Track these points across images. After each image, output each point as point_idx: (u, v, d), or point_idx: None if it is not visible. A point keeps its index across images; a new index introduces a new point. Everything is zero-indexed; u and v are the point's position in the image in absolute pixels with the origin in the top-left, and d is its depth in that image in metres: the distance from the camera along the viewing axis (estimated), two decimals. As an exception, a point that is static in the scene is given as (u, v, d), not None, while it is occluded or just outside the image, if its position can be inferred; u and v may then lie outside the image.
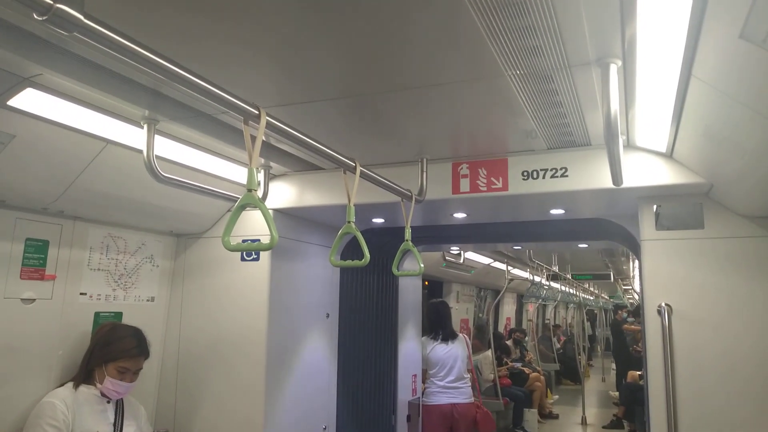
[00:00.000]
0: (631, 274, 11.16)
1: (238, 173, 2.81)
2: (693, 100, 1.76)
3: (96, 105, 2.02)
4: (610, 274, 10.30)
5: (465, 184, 2.73)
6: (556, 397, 9.94)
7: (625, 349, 8.88)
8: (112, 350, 2.44)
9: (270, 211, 3.00)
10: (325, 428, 3.44)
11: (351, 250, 3.64)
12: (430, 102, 2.05)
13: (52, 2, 0.90)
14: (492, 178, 2.68)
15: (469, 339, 5.83)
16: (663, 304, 2.46)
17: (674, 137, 2.18)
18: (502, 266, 7.84)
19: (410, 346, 4.51)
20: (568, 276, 10.73)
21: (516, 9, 1.41)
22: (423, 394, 4.65)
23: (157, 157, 2.21)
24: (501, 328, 10.47)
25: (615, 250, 7.61)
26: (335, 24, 1.52)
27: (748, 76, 1.41)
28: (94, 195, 2.43)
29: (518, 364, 8.63)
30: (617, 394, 8.47)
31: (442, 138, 2.52)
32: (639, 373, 7.24)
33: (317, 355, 3.40)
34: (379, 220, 3.54)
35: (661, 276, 2.53)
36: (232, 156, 2.70)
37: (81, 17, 0.96)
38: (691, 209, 2.53)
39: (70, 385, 2.41)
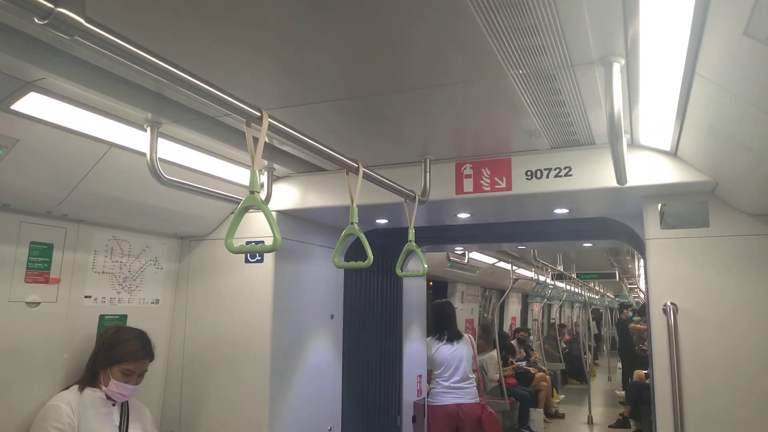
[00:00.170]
0: (637, 273, 11.12)
1: (241, 175, 2.81)
2: (697, 98, 1.75)
3: (99, 108, 2.02)
4: (615, 273, 10.27)
5: (468, 185, 2.72)
6: (562, 396, 9.91)
7: (631, 348, 8.84)
8: (116, 353, 2.44)
9: (273, 213, 3.03)
10: (330, 429, 3.44)
11: (355, 251, 3.64)
12: (433, 102, 2.05)
13: (53, 6, 0.90)
14: (495, 178, 2.67)
15: (474, 339, 5.82)
16: (668, 303, 2.45)
17: (678, 135, 2.16)
18: (507, 266, 7.82)
19: (415, 346, 4.51)
20: (573, 275, 10.70)
21: (518, 8, 1.41)
22: (428, 394, 4.64)
23: (160, 159, 2.21)
24: (506, 328, 10.45)
25: (620, 249, 7.59)
26: (337, 25, 1.52)
27: (753, 73, 1.40)
28: (98, 198, 2.44)
29: (522, 363, 8.62)
30: (623, 393, 8.44)
31: (445, 138, 2.52)
32: (645, 372, 7.20)
33: (322, 356, 3.40)
34: (382, 221, 3.53)
35: (667, 275, 2.52)
36: (235, 158, 2.70)
37: (82, 21, 0.95)
38: (696, 208, 2.52)
39: (75, 388, 2.41)
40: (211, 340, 3.04)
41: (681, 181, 2.38)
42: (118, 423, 2.46)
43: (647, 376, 6.65)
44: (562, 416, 8.68)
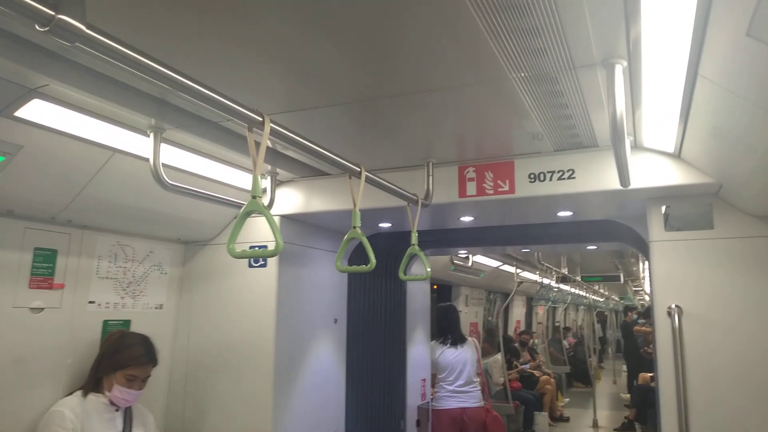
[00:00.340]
0: (641, 276, 11.08)
1: (244, 180, 2.82)
2: (700, 100, 1.74)
3: (102, 114, 2.03)
4: (620, 276, 10.22)
5: (471, 188, 2.72)
6: (567, 399, 9.86)
7: (636, 350, 8.81)
8: (120, 358, 2.44)
9: (276, 218, 3.03)
10: (334, 434, 3.43)
11: (358, 255, 3.63)
12: (435, 106, 2.05)
13: (53, 13, 0.90)
14: (498, 181, 2.66)
15: (479, 342, 5.80)
16: (673, 306, 2.44)
17: (682, 137, 2.16)
18: (511, 269, 7.80)
19: (419, 350, 4.49)
20: (578, 278, 10.66)
21: (519, 10, 1.40)
22: (432, 398, 4.63)
23: (163, 165, 2.21)
24: (511, 332, 10.42)
25: (625, 251, 7.56)
26: (340, 29, 1.52)
27: (757, 74, 1.39)
28: (101, 204, 2.44)
29: (526, 366, 8.59)
30: (628, 396, 8.40)
31: (448, 142, 2.52)
32: (650, 375, 7.17)
33: (325, 360, 3.40)
34: (386, 225, 3.53)
35: (671, 277, 2.51)
36: (238, 163, 2.70)
37: (83, 27, 0.95)
38: (701, 209, 2.51)
39: (79, 393, 2.41)
40: (215, 345, 3.04)
41: (685, 183, 2.37)
42: (121, 428, 2.45)
43: (653, 379, 6.63)
44: (567, 419, 8.63)
